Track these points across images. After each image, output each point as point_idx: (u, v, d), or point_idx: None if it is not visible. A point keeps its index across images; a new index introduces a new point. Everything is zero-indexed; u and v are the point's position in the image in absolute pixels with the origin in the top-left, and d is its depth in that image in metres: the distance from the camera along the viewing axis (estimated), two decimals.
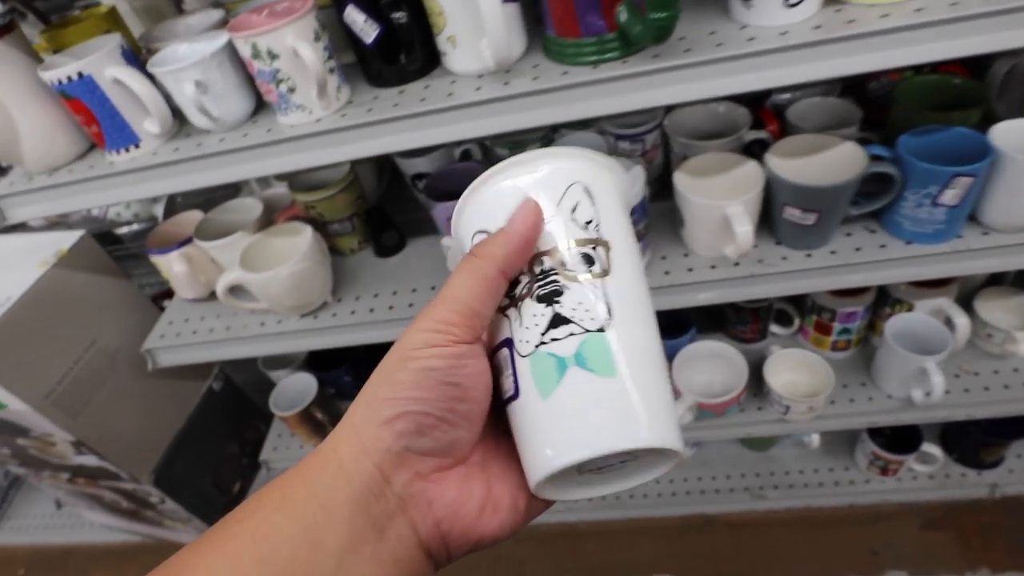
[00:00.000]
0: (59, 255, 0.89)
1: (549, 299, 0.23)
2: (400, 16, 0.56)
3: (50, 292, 0.87)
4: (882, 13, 0.48)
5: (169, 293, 0.94)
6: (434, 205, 0.74)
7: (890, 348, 0.80)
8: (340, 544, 0.21)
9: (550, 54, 0.56)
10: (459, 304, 0.23)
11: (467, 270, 0.24)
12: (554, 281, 0.24)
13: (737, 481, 1.08)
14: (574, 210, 0.25)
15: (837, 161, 0.65)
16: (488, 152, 0.86)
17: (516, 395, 0.24)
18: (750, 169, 0.67)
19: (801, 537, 1.05)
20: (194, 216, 0.89)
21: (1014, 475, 0.98)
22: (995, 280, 0.88)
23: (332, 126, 0.58)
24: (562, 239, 0.25)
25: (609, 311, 0.23)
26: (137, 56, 0.63)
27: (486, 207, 0.26)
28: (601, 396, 0.22)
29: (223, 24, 0.68)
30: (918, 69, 0.73)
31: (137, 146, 0.64)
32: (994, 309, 0.85)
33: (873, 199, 0.65)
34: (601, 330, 0.23)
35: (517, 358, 0.24)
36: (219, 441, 1.17)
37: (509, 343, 0.24)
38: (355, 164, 0.84)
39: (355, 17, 0.56)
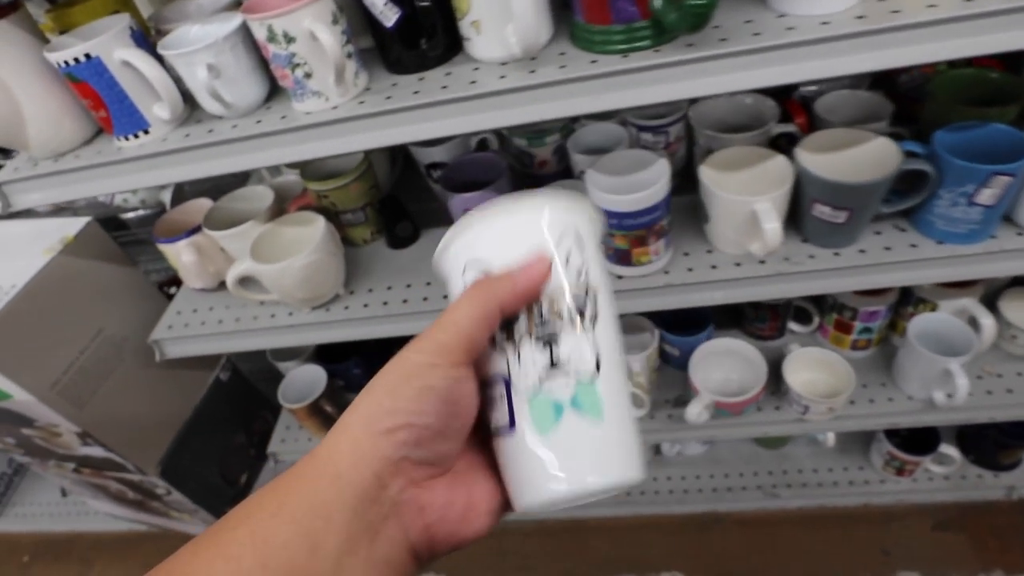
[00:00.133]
0: (65, 242, 0.88)
1: (547, 344, 0.26)
2: None
3: (56, 280, 0.86)
4: (929, 3, 0.46)
5: (176, 280, 0.92)
6: (451, 196, 0.72)
7: (913, 348, 0.79)
8: (338, 548, 0.22)
9: (577, 41, 0.54)
10: (461, 331, 0.25)
11: (473, 301, 0.26)
12: (551, 327, 0.26)
13: (750, 479, 1.07)
14: (568, 259, 0.27)
15: (869, 157, 0.63)
16: (505, 141, 0.84)
17: (511, 427, 0.26)
18: (778, 164, 0.65)
19: (812, 536, 1.04)
20: (202, 204, 0.87)
21: None
22: (1020, 280, 0.86)
23: (349, 114, 0.56)
24: (559, 287, 0.27)
25: (598, 357, 0.27)
26: (146, 38, 0.61)
27: (486, 243, 0.28)
28: (594, 437, 0.26)
29: (236, 5, 0.65)
30: (952, 62, 0.70)
31: (146, 132, 0.62)
32: (1019, 309, 0.83)
33: (905, 197, 0.63)
34: (593, 377, 0.26)
35: (514, 396, 0.26)
36: (226, 432, 1.16)
37: (505, 380, 0.27)
38: (368, 152, 0.82)
39: None
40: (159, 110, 0.61)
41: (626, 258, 0.68)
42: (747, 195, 0.62)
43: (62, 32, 0.63)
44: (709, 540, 1.08)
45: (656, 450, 1.15)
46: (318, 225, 0.74)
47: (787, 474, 1.06)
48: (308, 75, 0.55)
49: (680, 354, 0.92)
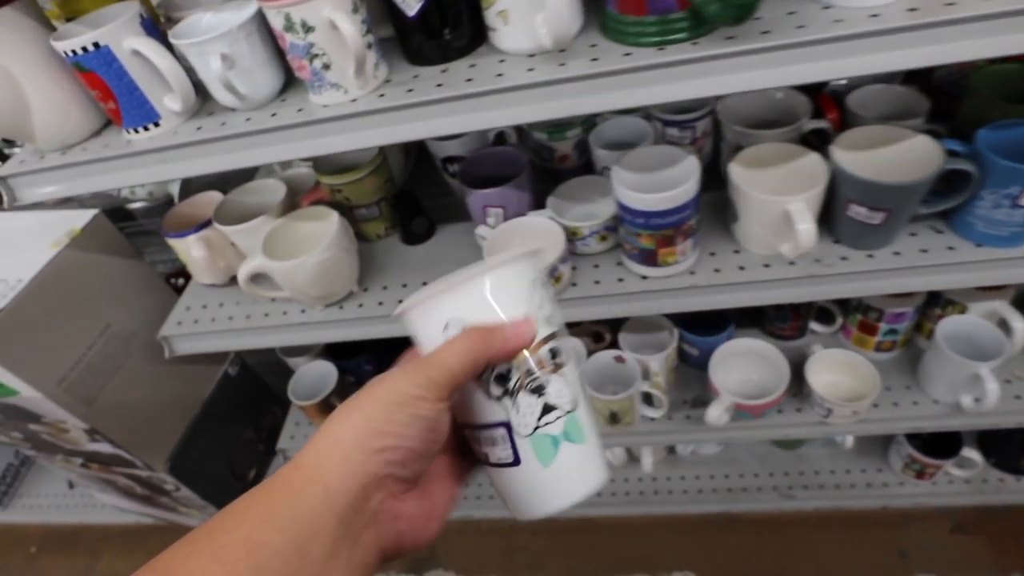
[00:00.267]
0: (72, 235, 0.85)
1: (539, 392, 0.31)
2: None
3: (63, 274, 0.84)
4: None
5: (183, 272, 0.90)
6: (469, 192, 0.69)
7: (941, 352, 0.76)
8: (324, 554, 0.25)
9: (609, 33, 0.51)
10: (453, 375, 0.29)
11: (464, 349, 0.29)
12: (538, 378, 0.31)
13: (765, 480, 1.06)
14: (540, 307, 0.32)
15: (907, 156, 0.60)
16: (524, 135, 0.81)
17: (516, 462, 0.31)
18: (811, 162, 0.63)
19: (827, 537, 1.03)
20: (212, 196, 0.85)
21: None
22: None
23: (369, 107, 0.53)
24: (538, 339, 0.31)
25: (573, 392, 0.32)
26: (156, 26, 0.59)
27: (463, 302, 0.31)
28: (582, 456, 0.32)
29: None
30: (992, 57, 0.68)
31: (157, 124, 0.60)
32: None
33: (945, 198, 0.61)
34: (573, 409, 0.32)
35: (517, 438, 0.31)
36: (235, 427, 1.14)
37: (507, 426, 0.31)
38: (383, 145, 0.80)
39: None
40: (170, 102, 0.58)
41: (651, 258, 0.65)
42: (780, 194, 0.60)
43: (68, 19, 0.61)
44: (722, 540, 1.06)
45: (670, 449, 1.13)
46: (332, 220, 0.72)
47: (803, 475, 1.05)
48: (327, 66, 0.53)
49: (699, 353, 0.90)
